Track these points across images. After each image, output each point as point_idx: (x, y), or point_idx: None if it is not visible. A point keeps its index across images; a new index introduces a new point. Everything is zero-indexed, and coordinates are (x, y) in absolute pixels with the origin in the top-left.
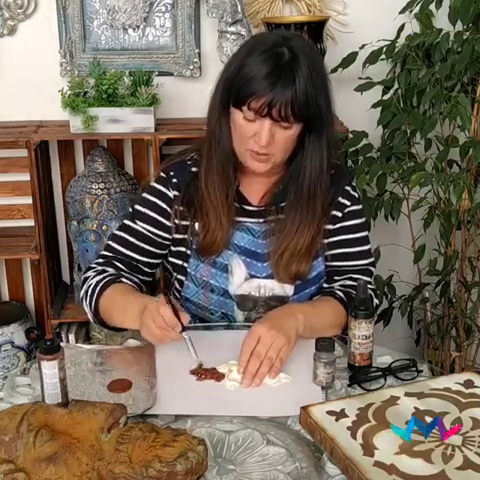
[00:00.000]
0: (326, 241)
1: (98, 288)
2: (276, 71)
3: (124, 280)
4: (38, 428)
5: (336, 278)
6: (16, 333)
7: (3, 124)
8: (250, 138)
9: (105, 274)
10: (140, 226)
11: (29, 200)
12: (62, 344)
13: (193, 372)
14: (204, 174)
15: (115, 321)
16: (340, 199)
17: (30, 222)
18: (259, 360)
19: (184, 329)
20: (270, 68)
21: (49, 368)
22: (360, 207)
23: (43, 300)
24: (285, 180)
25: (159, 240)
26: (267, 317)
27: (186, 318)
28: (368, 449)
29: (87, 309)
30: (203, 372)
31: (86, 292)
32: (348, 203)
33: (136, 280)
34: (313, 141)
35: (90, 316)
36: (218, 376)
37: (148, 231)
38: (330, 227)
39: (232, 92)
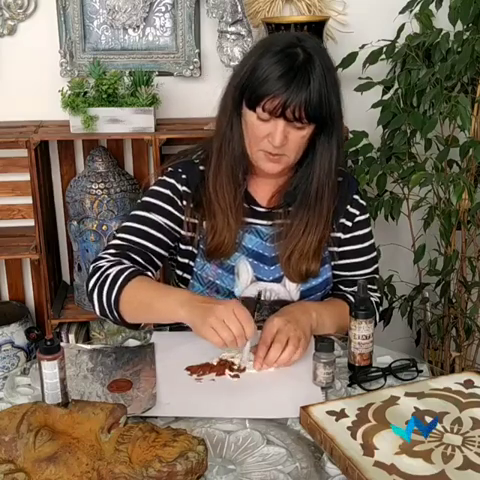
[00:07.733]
0: (336, 250)
1: (122, 277)
2: (291, 72)
3: (149, 274)
4: (38, 428)
5: (343, 288)
6: (16, 333)
7: (3, 124)
8: (263, 138)
9: (126, 265)
10: (153, 215)
11: (29, 200)
12: (62, 344)
13: (189, 368)
14: (212, 176)
15: (148, 313)
16: (349, 208)
17: (30, 222)
18: (281, 346)
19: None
20: (285, 69)
21: (49, 368)
22: (367, 216)
23: (43, 300)
24: (294, 181)
25: (171, 231)
26: (282, 312)
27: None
28: (368, 449)
29: (97, 301)
30: (201, 369)
31: (102, 283)
32: (357, 212)
33: (149, 274)
34: (323, 142)
35: (98, 309)
36: (218, 370)
37: (161, 221)
38: (340, 236)
39: (245, 93)
